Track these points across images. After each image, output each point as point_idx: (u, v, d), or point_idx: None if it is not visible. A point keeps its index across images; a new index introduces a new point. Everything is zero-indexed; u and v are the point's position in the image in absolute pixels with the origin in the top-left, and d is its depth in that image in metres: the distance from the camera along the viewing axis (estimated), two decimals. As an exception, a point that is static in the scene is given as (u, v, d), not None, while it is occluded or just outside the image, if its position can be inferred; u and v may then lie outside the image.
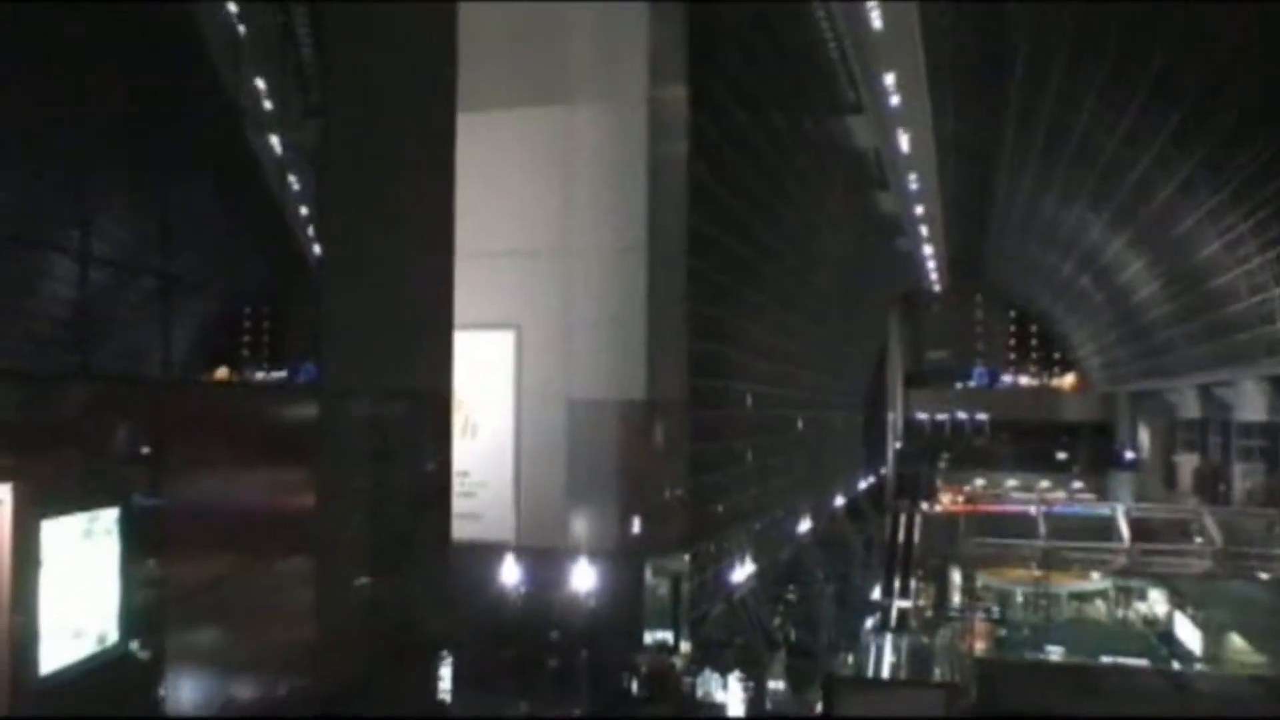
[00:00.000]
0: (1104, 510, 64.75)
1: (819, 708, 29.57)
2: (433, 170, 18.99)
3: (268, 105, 14.46)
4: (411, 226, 17.84)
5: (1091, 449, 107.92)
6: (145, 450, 9.96)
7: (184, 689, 10.27)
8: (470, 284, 27.53)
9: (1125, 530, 55.04)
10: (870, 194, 73.42)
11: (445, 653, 19.98)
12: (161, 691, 9.77)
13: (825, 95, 54.70)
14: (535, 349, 32.80)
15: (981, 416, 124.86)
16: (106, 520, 8.98)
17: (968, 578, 68.25)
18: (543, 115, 32.68)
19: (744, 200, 44.31)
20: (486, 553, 30.89)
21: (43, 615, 8.02)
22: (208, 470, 11.17)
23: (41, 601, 8.00)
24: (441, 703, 19.50)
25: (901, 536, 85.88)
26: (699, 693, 31.56)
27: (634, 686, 28.53)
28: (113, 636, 9.02)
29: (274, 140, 14.51)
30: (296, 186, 14.86)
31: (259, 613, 12.31)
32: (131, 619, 9.26)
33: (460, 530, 28.71)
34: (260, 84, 14.07)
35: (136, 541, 9.40)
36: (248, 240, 13.60)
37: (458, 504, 30.05)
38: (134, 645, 9.37)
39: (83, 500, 8.72)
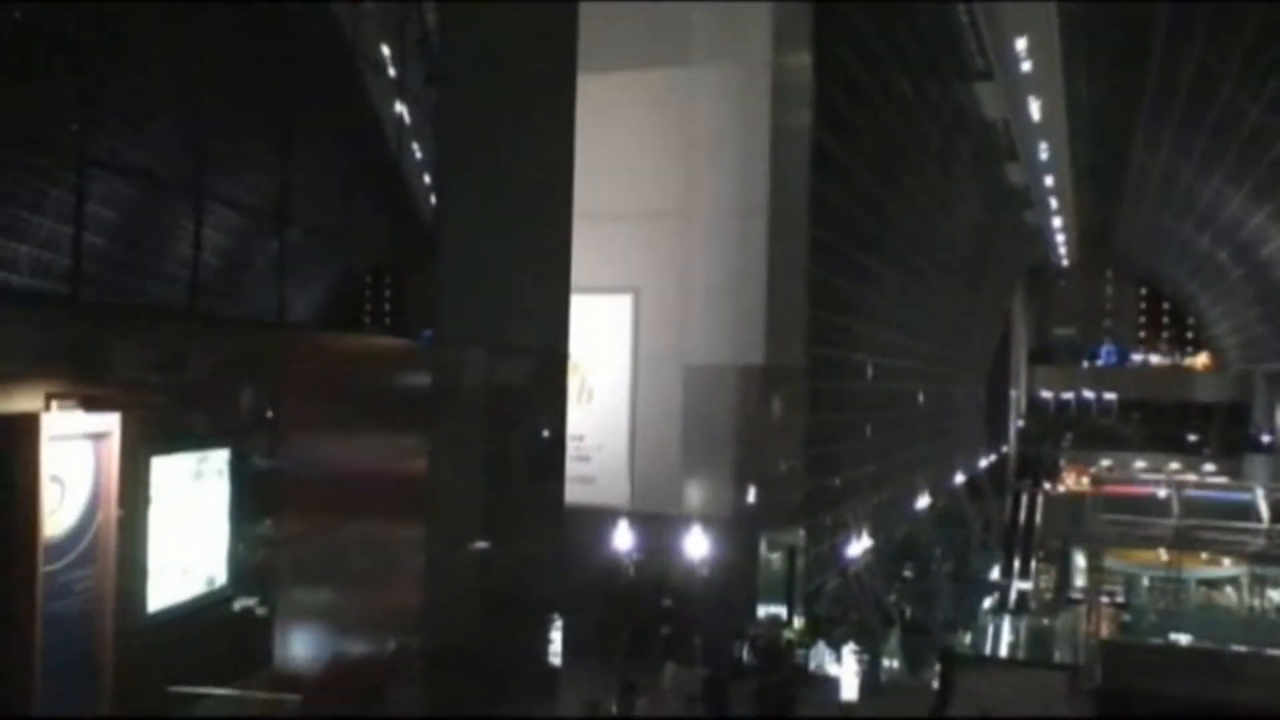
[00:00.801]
0: (1239, 495, 62.07)
1: (935, 685, 28.89)
2: (551, 130, 18.71)
3: (391, 72, 14.33)
4: (529, 187, 17.59)
5: (1225, 431, 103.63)
6: (259, 395, 9.89)
7: (291, 639, 10.21)
8: (589, 247, 27.33)
9: (1265, 510, 52.56)
10: (998, 165, 71.38)
11: (555, 616, 19.78)
12: (268, 640, 9.71)
13: (954, 61, 53.13)
14: (653, 313, 32.47)
15: (1109, 396, 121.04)
16: (217, 461, 8.91)
17: (1092, 560, 66.40)
18: (665, 77, 32.23)
19: (869, 168, 43.27)
20: (599, 517, 30.73)
21: (152, 552, 7.98)
22: (321, 419, 11.08)
23: (151, 538, 7.96)
24: (550, 665, 19.33)
25: (1022, 516, 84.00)
26: (811, 665, 31.04)
27: (746, 656, 28.13)
28: (221, 579, 8.96)
29: (397, 105, 14.36)
30: (418, 152, 14.71)
31: (368, 567, 12.22)
32: (240, 564, 9.20)
33: (574, 494, 28.68)
34: (385, 51, 13.97)
35: (247, 486, 9.32)
36: (371, 202, 13.50)
37: (572, 468, 29.99)
38: (242, 591, 9.32)
39: (194, 440, 8.66)
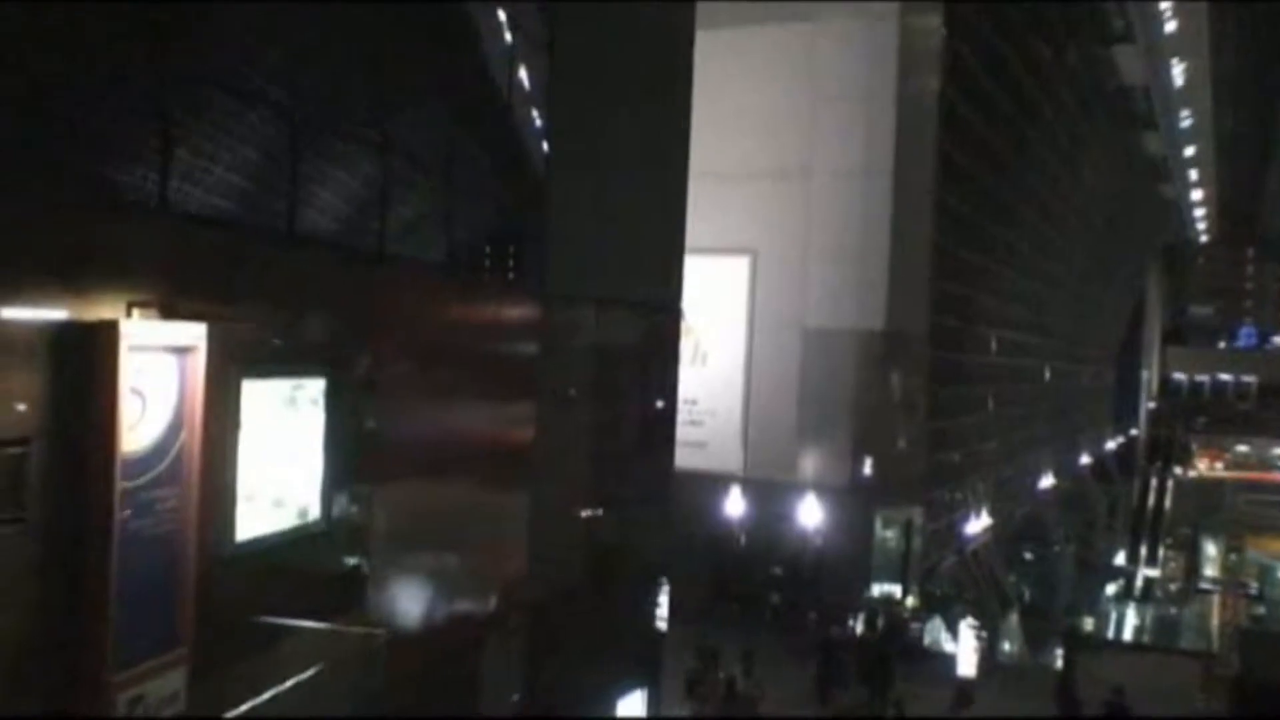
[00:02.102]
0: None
1: (1058, 666, 27.82)
2: (668, 84, 18.06)
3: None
4: (642, 141, 16.99)
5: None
6: (360, 330, 9.53)
7: (386, 582, 9.85)
8: (706, 207, 26.79)
9: None
10: (1135, 134, 68.58)
11: (663, 579, 19.30)
12: (362, 581, 9.36)
13: (1092, 22, 50.99)
14: (771, 275, 31.77)
15: (1247, 379, 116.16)
16: (312, 390, 8.56)
17: (1224, 549, 63.98)
18: (788, 32, 31.37)
19: (1000, 132, 41.67)
20: (711, 483, 30.26)
21: (241, 478, 7.66)
22: (424, 363, 10.70)
23: (240, 464, 7.65)
24: (655, 629, 18.88)
25: (1151, 501, 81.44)
26: (926, 639, 30.16)
27: (859, 627, 27.39)
28: (315, 513, 8.61)
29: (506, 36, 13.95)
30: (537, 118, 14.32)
31: (469, 518, 11.85)
32: (336, 500, 8.87)
33: (685, 459, 28.24)
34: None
35: (344, 417, 8.98)
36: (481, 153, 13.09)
37: (684, 432, 29.47)
38: (337, 528, 8.98)
39: (288, 365, 8.31)
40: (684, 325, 28.31)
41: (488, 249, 13.06)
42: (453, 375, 11.51)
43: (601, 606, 15.61)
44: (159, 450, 6.65)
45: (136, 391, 6.39)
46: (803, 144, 31.38)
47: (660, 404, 18.48)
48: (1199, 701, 24.38)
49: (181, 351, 6.76)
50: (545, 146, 14.06)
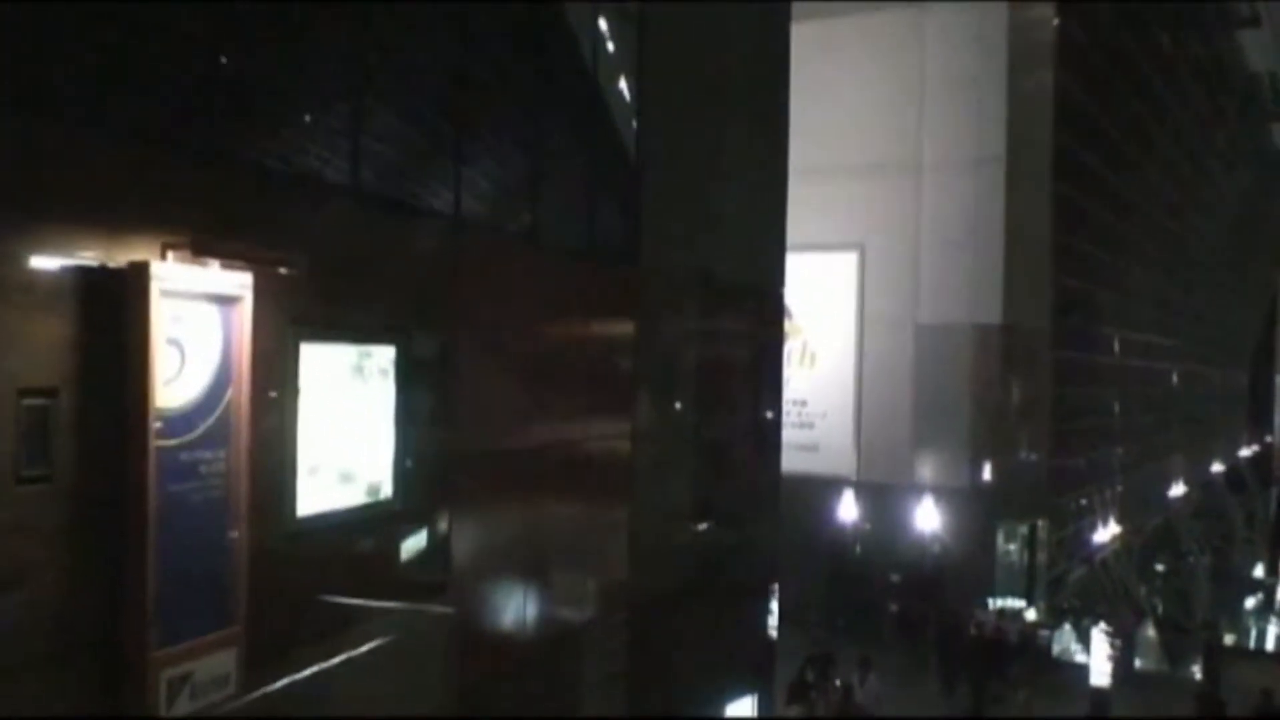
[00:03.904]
0: None
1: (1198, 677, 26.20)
2: (764, 58, 17.32)
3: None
4: (740, 115, 16.27)
5: None
6: (437, 298, 8.93)
7: (466, 570, 9.18)
8: (811, 202, 25.96)
9: None
10: (1263, 125, 65.65)
11: (774, 589, 18.49)
12: (441, 567, 8.71)
13: (1216, 7, 48.80)
14: (880, 270, 30.61)
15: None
16: (381, 359, 7.96)
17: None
18: (893, 18, 30.32)
19: (1120, 122, 39.93)
20: (824, 487, 29.22)
21: (302, 449, 7.08)
22: (509, 329, 10.06)
23: (301, 433, 7.07)
24: (766, 637, 18.07)
25: (1290, 511, 78.18)
26: (1055, 649, 28.65)
27: (980, 643, 26.05)
28: (387, 491, 7.99)
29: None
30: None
31: (562, 503, 11.18)
32: (411, 478, 8.24)
33: (797, 462, 27.33)
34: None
35: (419, 391, 8.38)
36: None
37: (795, 435, 28.68)
38: (413, 508, 8.35)
39: (354, 331, 7.72)
40: (791, 324, 27.54)
41: (579, 222, 12.37)
42: (543, 352, 10.87)
43: (709, 609, 14.85)
44: (202, 409, 6.07)
45: (173, 342, 5.83)
46: (911, 135, 30.26)
47: (765, 391, 17.70)
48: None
49: (225, 301, 6.18)
50: (635, 123, 13.40)
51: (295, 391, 7.05)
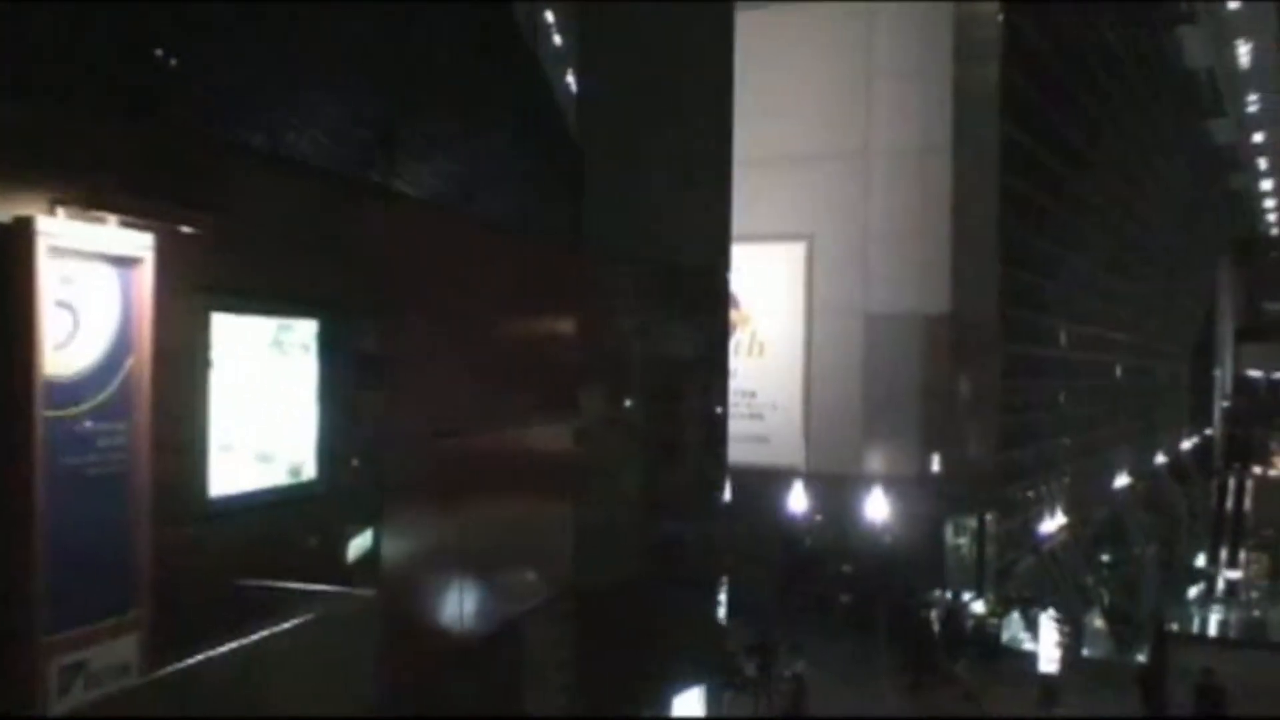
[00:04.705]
0: None
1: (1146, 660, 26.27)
2: (705, 63, 17.05)
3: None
4: (681, 99, 15.99)
5: None
6: (365, 271, 8.49)
7: (399, 557, 8.77)
8: (759, 192, 25.80)
9: None
10: (1200, 122, 66.41)
11: (723, 580, 18.24)
12: (370, 553, 8.29)
13: (1155, 3, 49.22)
14: (829, 260, 30.45)
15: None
16: (303, 334, 7.54)
17: (1310, 549, 62.00)
18: (838, 9, 30.16)
19: (1065, 115, 40.08)
20: (775, 478, 28.98)
21: (214, 425, 6.64)
22: (446, 305, 9.65)
23: (214, 409, 6.63)
24: (716, 630, 17.83)
25: (1230, 502, 79.37)
26: (1004, 637, 28.64)
27: (932, 631, 25.94)
28: (310, 472, 7.59)
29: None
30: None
31: (503, 487, 10.78)
32: (337, 459, 7.82)
33: (747, 454, 27.10)
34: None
35: (345, 367, 7.95)
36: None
37: (744, 426, 28.42)
38: (340, 492, 7.92)
39: (271, 302, 7.29)
40: (740, 314, 27.29)
41: (520, 201, 11.98)
42: (482, 332, 10.47)
43: (657, 600, 14.54)
44: (97, 377, 5.60)
45: (64, 305, 5.36)
46: (858, 125, 30.14)
47: (713, 381, 17.43)
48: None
49: (124, 263, 5.72)
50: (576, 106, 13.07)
51: (206, 364, 6.63)
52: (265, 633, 5.66)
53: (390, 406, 8.81)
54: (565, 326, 12.53)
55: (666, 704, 14.62)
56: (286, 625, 5.81)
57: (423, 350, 9.46)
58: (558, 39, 13.18)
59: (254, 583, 6.59)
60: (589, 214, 12.88)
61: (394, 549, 8.63)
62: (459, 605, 9.86)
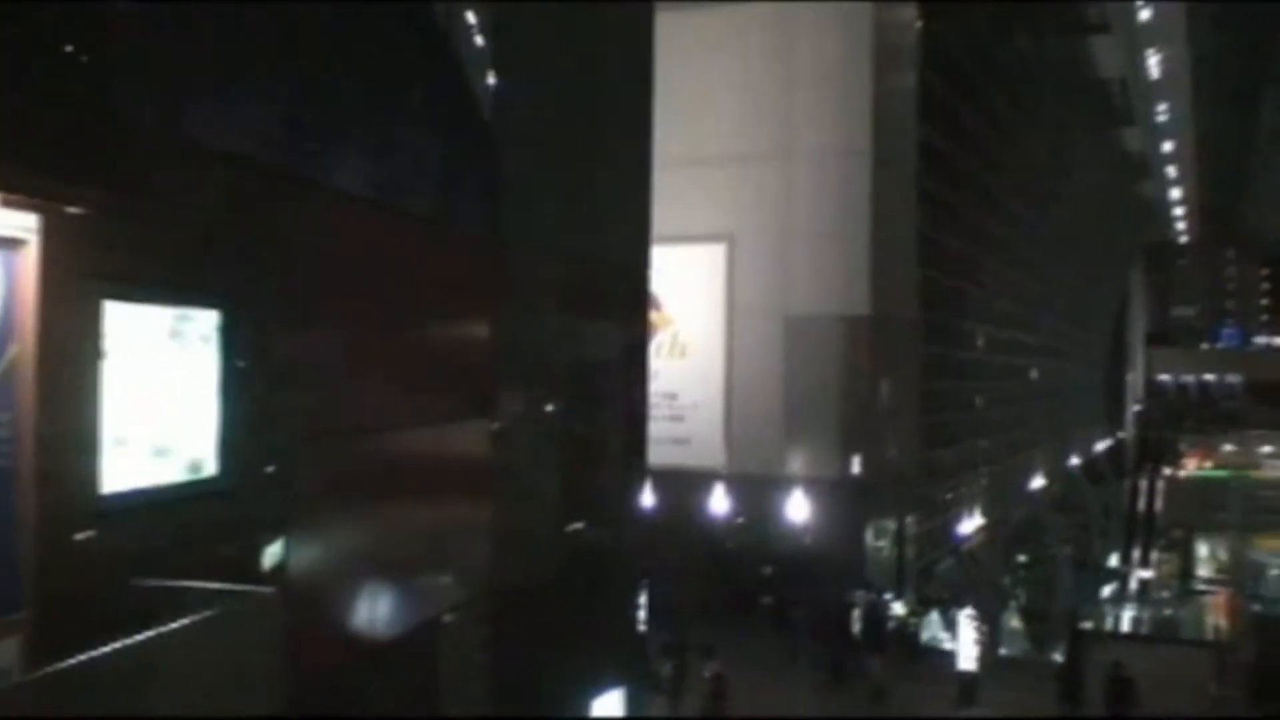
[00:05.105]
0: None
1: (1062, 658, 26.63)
2: (624, 60, 16.90)
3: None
4: (601, 112, 15.83)
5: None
6: (269, 259, 8.20)
7: (306, 557, 8.50)
8: (680, 193, 25.71)
9: None
10: (1114, 130, 67.86)
11: (643, 582, 18.10)
12: (275, 552, 8.01)
13: (1069, 12, 50.18)
14: (750, 261, 30.46)
15: (1232, 378, 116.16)
16: (204, 324, 7.26)
17: (1217, 548, 63.35)
18: (760, 10, 30.22)
19: (984, 120, 40.69)
20: (697, 479, 28.97)
21: (107, 418, 6.35)
22: (358, 296, 9.39)
23: (107, 401, 6.34)
24: (636, 632, 17.69)
25: (1142, 502, 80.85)
26: (924, 636, 28.89)
27: (852, 629, 26.07)
28: (211, 468, 7.30)
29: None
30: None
31: (415, 485, 10.54)
32: (239, 454, 7.53)
33: (668, 455, 27.03)
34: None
35: (248, 360, 7.66)
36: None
37: (666, 428, 28.35)
38: (245, 489, 7.63)
39: (169, 291, 7.00)
40: (661, 315, 27.20)
41: (436, 191, 11.72)
42: (397, 326, 10.21)
43: (576, 603, 14.34)
44: (-26, 364, 5.33)
45: (-65, 287, 5.08)
46: (779, 126, 30.22)
47: (632, 381, 17.26)
48: (1212, 688, 23.33)
49: (5, 245, 5.44)
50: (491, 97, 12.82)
51: (98, 354, 6.31)
52: (154, 632, 5.38)
53: (298, 402, 8.54)
54: (482, 323, 12.30)
55: (585, 706, 14.42)
56: (178, 624, 5.54)
57: (334, 345, 9.19)
58: (479, 39, 12.94)
59: (150, 582, 6.31)
60: (507, 211, 12.66)
61: (301, 548, 8.35)
62: (369, 606, 9.60)
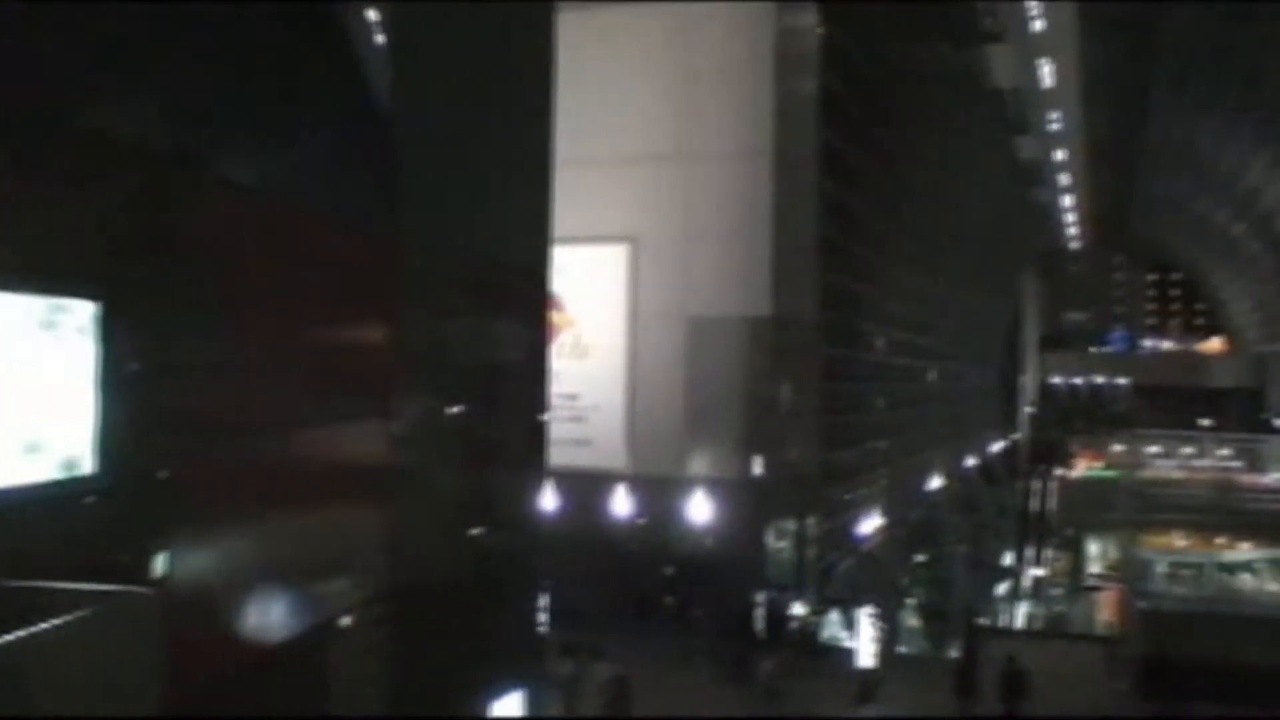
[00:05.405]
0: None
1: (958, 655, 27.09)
2: (524, 60, 16.79)
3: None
4: (500, 111, 15.68)
5: (1240, 416, 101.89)
6: (157, 247, 7.93)
7: (192, 557, 8.23)
8: (581, 194, 25.58)
9: None
10: (1008, 139, 69.34)
11: (544, 584, 17.97)
12: (158, 552, 7.73)
13: (965, 21, 51.13)
14: (652, 262, 30.45)
15: (1120, 381, 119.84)
16: (79, 315, 6.96)
17: (1107, 546, 64.97)
18: (662, 10, 30.23)
19: (884, 125, 41.20)
20: (599, 481, 28.88)
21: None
22: (239, 285, 9.13)
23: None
24: (537, 634, 17.56)
25: (1035, 502, 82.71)
26: (823, 635, 29.19)
27: (754, 628, 26.23)
28: (87, 465, 7.01)
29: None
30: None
31: (309, 485, 10.30)
32: (119, 452, 7.23)
33: (569, 457, 26.91)
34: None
35: (129, 354, 7.38)
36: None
37: (567, 429, 28.23)
38: (125, 488, 7.35)
39: (41, 280, 6.69)
40: (563, 316, 27.06)
41: (330, 183, 11.47)
42: (290, 320, 9.95)
43: (475, 605, 14.16)
44: None
45: None
46: (682, 127, 30.27)
47: (532, 381, 17.14)
48: (1102, 681, 23.99)
49: None
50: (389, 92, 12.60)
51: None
52: (24, 632, 5.13)
53: (186, 398, 8.27)
54: (380, 321, 12.11)
55: (484, 708, 14.27)
56: (48, 625, 5.28)
57: (224, 340, 8.93)
58: (379, 36, 12.72)
59: (18, 583, 6.03)
60: (405, 208, 12.48)
61: (187, 548, 8.09)
62: (260, 608, 9.35)
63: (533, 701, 15.50)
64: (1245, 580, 54.98)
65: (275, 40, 10.29)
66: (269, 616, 9.54)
